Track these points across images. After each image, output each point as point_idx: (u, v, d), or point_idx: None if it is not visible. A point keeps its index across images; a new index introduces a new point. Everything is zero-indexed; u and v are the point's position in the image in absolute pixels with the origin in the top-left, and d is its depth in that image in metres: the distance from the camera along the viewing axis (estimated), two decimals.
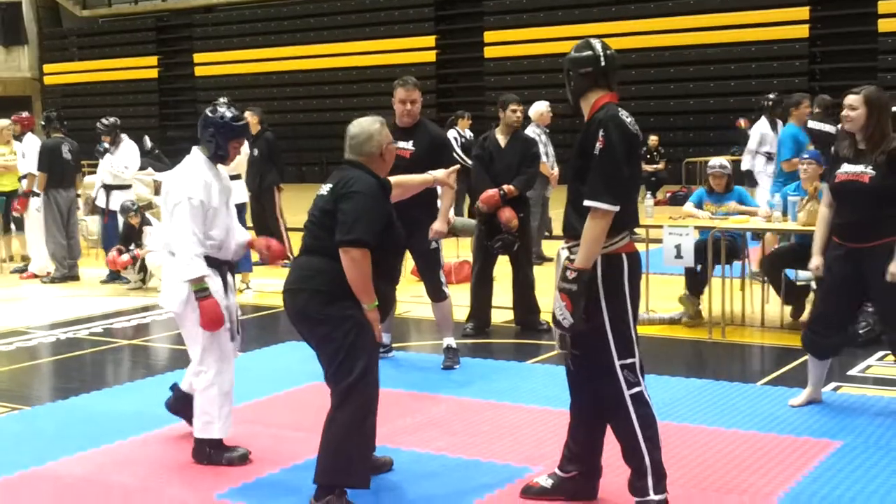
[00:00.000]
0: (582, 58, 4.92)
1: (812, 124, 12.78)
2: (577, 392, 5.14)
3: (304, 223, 5.22)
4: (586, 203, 4.67)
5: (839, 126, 7.09)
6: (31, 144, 13.36)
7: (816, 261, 6.57)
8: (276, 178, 13.49)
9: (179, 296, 5.71)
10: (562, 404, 6.71)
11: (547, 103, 12.77)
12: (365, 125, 5.23)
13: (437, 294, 7.93)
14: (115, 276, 12.55)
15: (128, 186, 12.97)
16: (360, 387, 4.99)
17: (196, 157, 5.82)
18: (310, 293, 5.07)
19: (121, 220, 12.42)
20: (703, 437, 6.08)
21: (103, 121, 13.06)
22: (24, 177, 13.38)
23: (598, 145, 4.69)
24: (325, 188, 5.16)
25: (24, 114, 14.41)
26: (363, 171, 5.15)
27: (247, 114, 13.44)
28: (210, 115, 5.82)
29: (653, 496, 4.88)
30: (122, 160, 12.81)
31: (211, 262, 5.68)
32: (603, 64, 4.90)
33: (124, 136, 13.04)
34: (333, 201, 5.04)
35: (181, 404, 6.11)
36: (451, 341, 7.99)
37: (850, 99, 6.38)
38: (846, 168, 6.37)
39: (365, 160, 5.18)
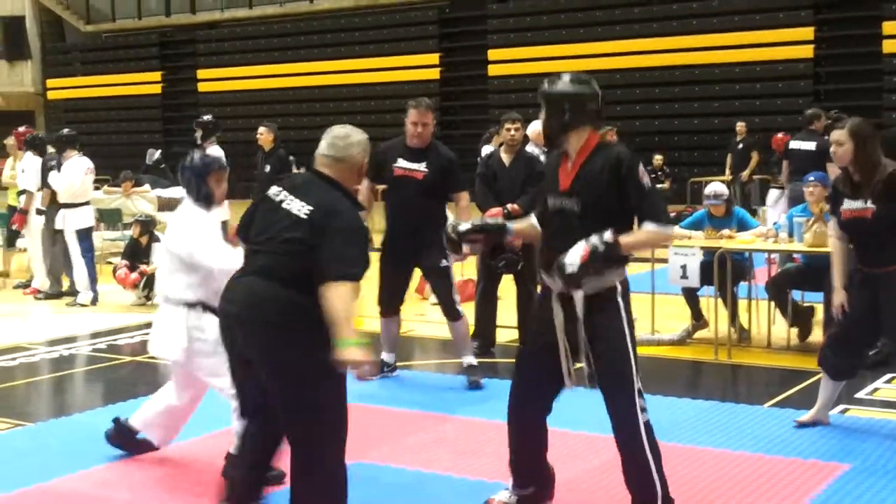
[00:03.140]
0: (589, 94, 4.94)
1: (794, 143, 12.81)
2: (529, 406, 5.18)
3: (254, 239, 4.69)
4: (652, 228, 4.81)
5: (824, 140, 7.14)
6: (31, 161, 13.28)
7: (840, 297, 6.46)
8: None
9: (180, 343, 5.75)
10: (566, 425, 6.69)
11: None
12: (352, 129, 4.78)
13: (451, 313, 7.89)
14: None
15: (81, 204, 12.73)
16: (335, 487, 4.64)
17: (188, 210, 5.86)
18: (273, 325, 4.48)
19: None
20: (710, 459, 6.04)
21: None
22: (23, 192, 13.31)
23: (645, 181, 4.81)
24: (293, 204, 4.54)
25: (22, 129, 14.36)
26: (341, 192, 4.62)
27: (261, 129, 13.44)
28: (184, 164, 5.92)
29: None
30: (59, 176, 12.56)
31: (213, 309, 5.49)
32: (600, 102, 4.99)
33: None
34: (311, 229, 4.45)
35: (125, 438, 6.24)
36: (471, 359, 7.95)
37: (836, 134, 6.35)
38: (848, 205, 6.36)
39: (344, 169, 4.65)
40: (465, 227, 5.25)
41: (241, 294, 4.58)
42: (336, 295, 4.36)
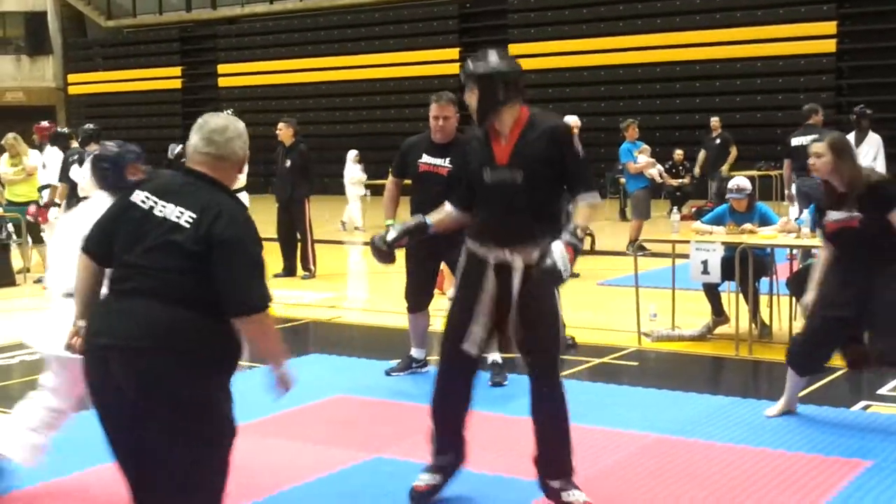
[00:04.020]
0: (518, 70, 5.12)
1: (795, 140, 12.74)
2: (463, 381, 5.32)
3: (121, 255, 3.90)
4: (589, 200, 4.98)
5: (826, 133, 7.23)
6: (53, 155, 13.33)
7: (811, 297, 6.66)
8: (308, 189, 13.51)
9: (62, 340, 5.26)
10: (586, 420, 6.67)
11: (575, 117, 12.48)
12: (232, 119, 4.11)
13: None
14: None
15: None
16: None
17: (101, 201, 5.35)
18: (173, 355, 3.74)
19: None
20: (730, 455, 6.00)
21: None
22: (45, 187, 13.36)
23: (579, 149, 5.01)
24: (167, 211, 3.83)
25: (45, 123, 14.41)
26: (223, 194, 3.95)
27: (281, 125, 13.45)
28: (101, 154, 5.76)
29: (577, 495, 5.11)
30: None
31: None
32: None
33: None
34: (197, 240, 3.76)
35: None
36: (496, 357, 7.91)
37: (815, 147, 6.49)
38: (833, 216, 6.48)
39: (226, 167, 4.00)
40: (391, 236, 5.33)
41: (126, 322, 3.76)
42: (259, 331, 3.85)
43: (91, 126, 13.35)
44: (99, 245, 3.99)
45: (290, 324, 10.62)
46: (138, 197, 3.91)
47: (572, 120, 12.31)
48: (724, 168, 20.12)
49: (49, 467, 5.75)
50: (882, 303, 6.32)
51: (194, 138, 4.00)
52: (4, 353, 9.28)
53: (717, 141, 20.48)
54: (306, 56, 31.33)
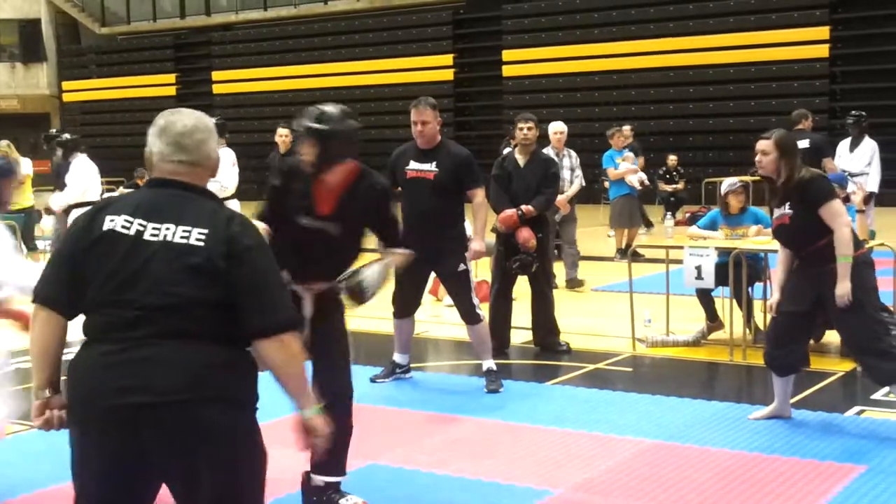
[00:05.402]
0: (356, 127, 5.32)
1: None
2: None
3: (111, 295, 3.25)
4: (400, 251, 5.47)
5: (816, 136, 7.40)
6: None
7: (775, 297, 6.78)
8: None
9: None
10: (581, 426, 6.69)
11: (561, 123, 12.46)
12: (193, 116, 3.52)
13: (471, 317, 7.84)
14: None
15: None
16: None
17: None
18: (222, 403, 3.25)
19: None
20: (725, 460, 6.01)
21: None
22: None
23: (394, 210, 5.53)
24: (168, 232, 3.27)
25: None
26: (217, 203, 3.45)
27: (284, 131, 13.37)
28: None
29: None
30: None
31: None
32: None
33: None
34: (217, 256, 3.25)
35: None
36: (490, 364, 7.90)
37: (762, 144, 6.63)
38: (776, 213, 6.68)
39: (202, 173, 3.47)
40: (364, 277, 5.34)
41: (159, 372, 3.17)
42: (287, 354, 3.35)
43: (68, 136, 13.35)
44: (65, 293, 3.32)
45: None
46: (114, 223, 3.28)
47: (558, 126, 12.32)
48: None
49: (48, 474, 5.76)
50: (829, 298, 6.43)
51: (158, 144, 3.43)
52: None
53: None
54: (300, 63, 31.34)
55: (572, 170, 12.37)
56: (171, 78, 35.04)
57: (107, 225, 3.27)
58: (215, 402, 3.21)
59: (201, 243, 3.24)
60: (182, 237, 3.24)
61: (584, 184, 13.11)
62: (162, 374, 3.15)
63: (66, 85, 37.70)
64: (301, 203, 5.20)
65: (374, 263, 5.27)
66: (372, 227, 5.36)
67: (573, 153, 12.56)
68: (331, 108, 5.24)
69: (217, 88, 33.73)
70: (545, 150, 12.12)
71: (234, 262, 3.25)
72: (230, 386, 3.26)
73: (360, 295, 5.18)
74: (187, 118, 3.47)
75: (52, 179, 13.30)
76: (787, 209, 6.56)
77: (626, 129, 16.49)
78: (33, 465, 6.17)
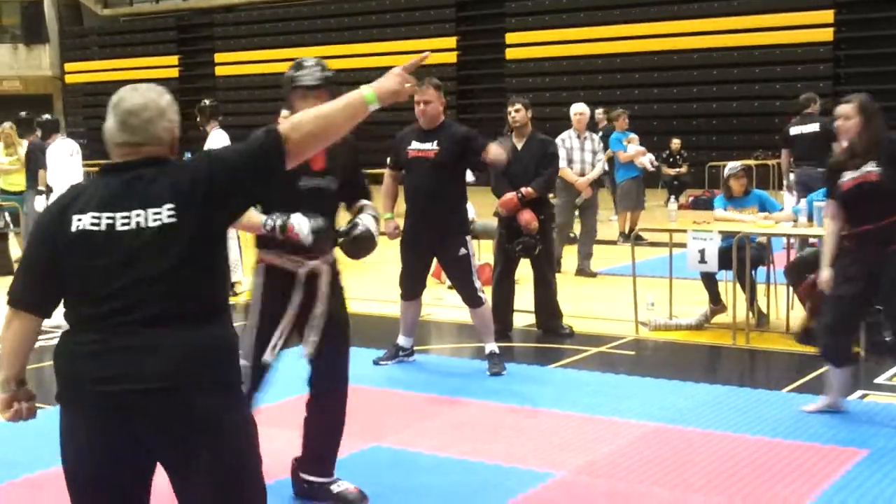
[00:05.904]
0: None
1: (794, 130, 12.75)
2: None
3: (99, 291, 3.17)
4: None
5: (825, 121, 7.23)
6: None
7: (827, 273, 6.45)
8: None
9: None
10: (584, 409, 6.69)
11: (582, 105, 12.29)
12: (152, 94, 3.37)
13: (473, 300, 7.82)
14: None
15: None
16: None
17: None
18: (211, 387, 3.19)
19: None
20: (728, 444, 6.01)
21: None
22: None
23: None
24: (142, 218, 3.17)
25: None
26: (170, 166, 3.31)
27: (286, 112, 13.35)
28: None
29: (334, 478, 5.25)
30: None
31: None
32: None
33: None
34: (197, 215, 3.20)
35: None
36: (493, 347, 7.89)
37: (844, 109, 6.45)
38: (849, 175, 6.38)
39: (148, 152, 3.28)
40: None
41: (153, 359, 3.11)
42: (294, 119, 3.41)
43: (48, 117, 13.34)
44: (40, 297, 3.31)
45: None
46: (82, 222, 3.19)
47: (579, 108, 12.21)
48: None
49: (50, 455, 5.76)
50: (888, 279, 6.25)
51: (109, 121, 3.31)
52: None
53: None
54: (303, 45, 31.24)
55: (594, 153, 12.21)
56: (174, 60, 34.97)
57: (75, 225, 3.19)
58: (205, 386, 3.16)
59: (174, 219, 3.16)
60: (154, 219, 3.16)
61: (606, 168, 13.05)
62: (150, 362, 3.10)
63: (68, 66, 37.63)
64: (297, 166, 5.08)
65: (363, 214, 5.20)
66: (350, 175, 5.26)
67: (595, 136, 12.42)
68: (311, 59, 5.19)
69: (219, 70, 33.67)
70: (565, 133, 12.10)
71: (213, 193, 3.22)
72: (218, 369, 3.22)
73: (366, 243, 5.10)
74: (139, 96, 3.34)
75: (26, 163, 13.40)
76: (871, 167, 6.28)
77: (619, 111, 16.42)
78: (34, 446, 6.17)
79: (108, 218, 3.17)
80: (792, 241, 9.98)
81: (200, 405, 3.14)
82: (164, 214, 3.15)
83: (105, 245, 3.16)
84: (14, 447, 6.13)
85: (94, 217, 3.18)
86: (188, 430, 3.16)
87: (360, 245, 5.10)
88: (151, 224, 3.15)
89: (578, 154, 12.01)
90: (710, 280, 9.22)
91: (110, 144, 3.31)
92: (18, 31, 38.81)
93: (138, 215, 3.16)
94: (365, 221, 5.12)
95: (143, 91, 3.36)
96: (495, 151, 7.56)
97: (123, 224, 3.16)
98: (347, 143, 5.12)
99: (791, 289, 9.19)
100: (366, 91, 3.43)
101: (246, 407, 3.40)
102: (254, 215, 4.92)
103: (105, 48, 37.20)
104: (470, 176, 8.57)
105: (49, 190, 12.57)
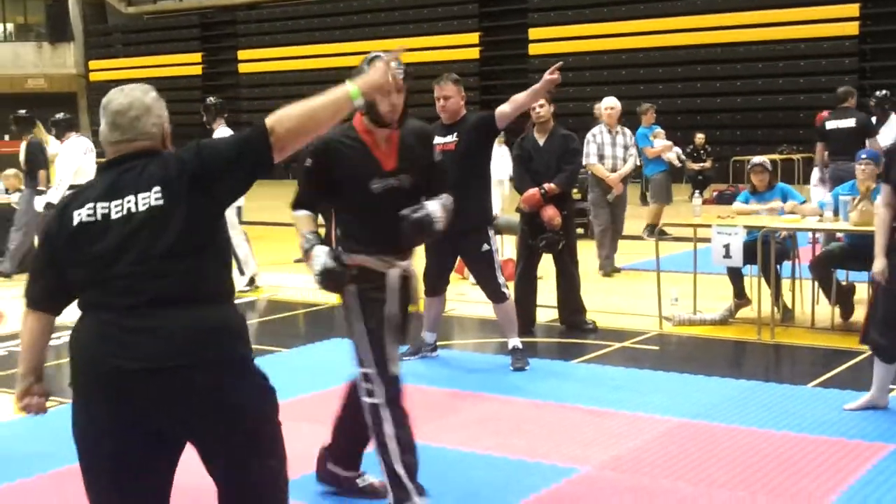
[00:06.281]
0: None
1: (831, 124, 12.67)
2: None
3: (102, 274, 3.30)
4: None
5: (862, 115, 7.06)
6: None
7: (881, 264, 6.22)
8: None
9: None
10: (608, 404, 6.68)
11: (612, 99, 12.20)
12: (136, 94, 3.45)
13: (497, 296, 7.81)
14: None
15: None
16: None
17: None
18: (230, 364, 3.34)
19: None
20: (753, 439, 5.98)
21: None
22: None
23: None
24: (132, 203, 3.30)
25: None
26: (161, 155, 3.44)
27: None
28: None
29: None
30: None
31: None
32: None
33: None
34: (186, 195, 3.32)
35: None
36: (516, 342, 7.89)
37: None
38: None
39: (138, 146, 3.41)
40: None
41: (162, 338, 3.23)
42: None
43: (62, 115, 13.34)
44: (51, 295, 3.46)
45: (311, 308, 10.65)
46: (80, 216, 3.33)
47: (610, 102, 12.13)
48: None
49: (63, 454, 5.78)
50: None
51: (102, 122, 3.47)
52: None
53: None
54: (326, 41, 31.32)
55: (626, 147, 12.10)
56: (197, 57, 35.09)
57: (76, 220, 3.34)
58: (206, 367, 3.25)
59: (160, 201, 3.28)
60: (143, 203, 3.28)
61: (638, 163, 12.98)
62: (148, 342, 3.21)
63: (92, 64, 37.82)
64: (366, 169, 4.88)
65: (431, 201, 4.93)
66: (426, 170, 5.05)
67: (627, 131, 12.29)
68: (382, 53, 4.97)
69: (243, 67, 33.77)
70: (596, 128, 12.06)
71: (206, 177, 3.33)
72: (219, 348, 3.30)
73: (429, 226, 4.82)
74: (125, 97, 3.46)
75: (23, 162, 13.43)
76: None
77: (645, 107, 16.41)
78: (49, 444, 6.20)
79: (103, 208, 3.32)
80: (818, 235, 9.93)
81: (202, 385, 3.25)
82: (151, 197, 3.29)
83: (102, 233, 3.30)
84: (29, 445, 6.17)
85: (90, 209, 3.33)
86: (188, 410, 3.27)
87: (419, 229, 4.83)
88: (141, 208, 3.28)
89: (609, 149, 11.94)
90: (735, 275, 9.19)
91: (105, 145, 3.46)
92: (43, 29, 39.02)
93: (129, 201, 3.30)
94: (429, 206, 4.85)
95: (128, 91, 3.48)
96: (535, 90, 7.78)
97: (117, 212, 3.30)
98: (420, 136, 5.07)
99: (815, 283, 9.15)
100: (350, 86, 3.53)
101: (260, 378, 3.44)
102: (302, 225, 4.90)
103: (129, 46, 37.38)
104: (507, 168, 8.49)
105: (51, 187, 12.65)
